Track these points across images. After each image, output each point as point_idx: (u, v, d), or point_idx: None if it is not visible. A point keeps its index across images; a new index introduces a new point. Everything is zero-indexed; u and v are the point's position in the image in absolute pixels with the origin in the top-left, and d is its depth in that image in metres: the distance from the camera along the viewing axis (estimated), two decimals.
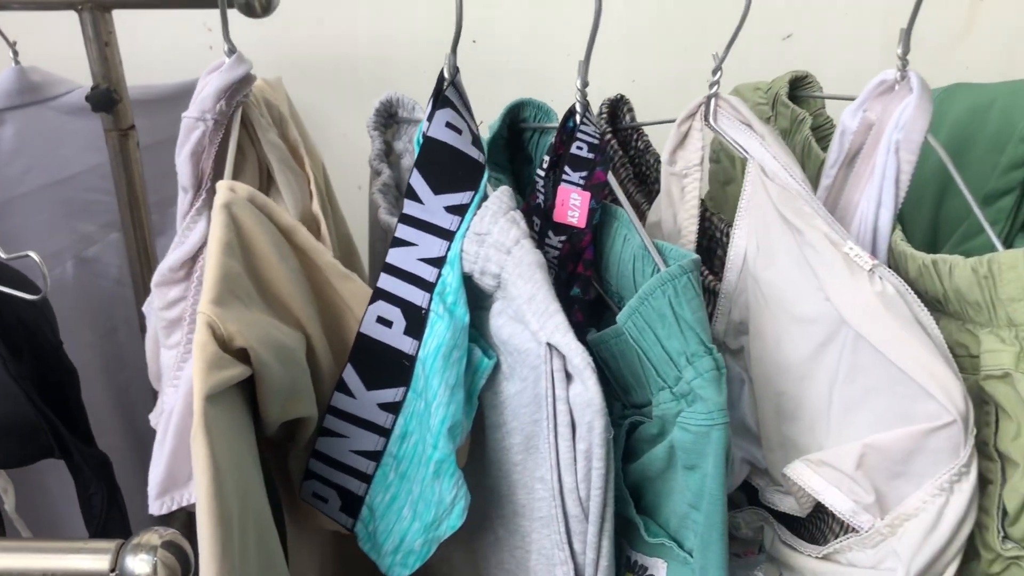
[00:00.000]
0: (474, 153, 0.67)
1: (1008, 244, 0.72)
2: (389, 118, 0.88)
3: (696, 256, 0.59)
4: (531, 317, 0.60)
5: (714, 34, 1.14)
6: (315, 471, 0.69)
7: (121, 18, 0.86)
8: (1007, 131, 0.73)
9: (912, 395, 0.55)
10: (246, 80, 0.70)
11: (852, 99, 0.70)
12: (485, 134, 0.77)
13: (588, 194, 0.67)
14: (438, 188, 0.66)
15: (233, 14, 0.72)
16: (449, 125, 0.66)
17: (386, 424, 0.67)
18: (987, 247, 0.72)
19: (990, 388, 0.57)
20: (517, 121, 0.81)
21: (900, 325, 0.55)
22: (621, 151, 0.81)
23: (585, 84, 0.68)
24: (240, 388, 0.59)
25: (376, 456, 0.68)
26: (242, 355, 0.57)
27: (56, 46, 0.95)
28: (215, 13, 0.69)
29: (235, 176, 0.74)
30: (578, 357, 0.58)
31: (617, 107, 0.83)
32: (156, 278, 0.71)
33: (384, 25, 1.16)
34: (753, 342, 0.65)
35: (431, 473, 0.65)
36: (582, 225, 0.67)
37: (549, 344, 0.59)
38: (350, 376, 0.67)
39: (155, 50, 1.10)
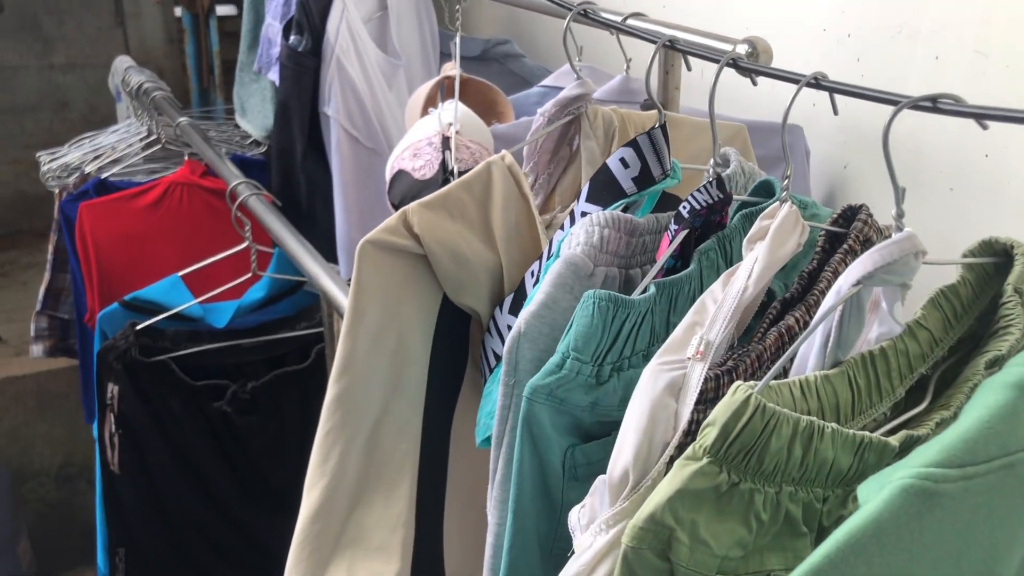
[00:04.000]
0: (626, 185, 0.88)
1: None
2: None
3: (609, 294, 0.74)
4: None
5: None
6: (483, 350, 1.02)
7: None
8: None
9: None
10: (578, 99, 1.02)
11: None
12: None
13: (669, 241, 0.82)
14: (589, 197, 0.89)
15: None
16: (622, 159, 0.88)
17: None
18: None
19: None
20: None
21: (646, 395, 0.62)
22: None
23: (717, 164, 0.82)
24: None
25: (499, 357, 0.97)
26: (418, 239, 0.94)
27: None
28: None
29: (571, 157, 1.07)
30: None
31: (853, 213, 0.87)
32: None
33: None
34: None
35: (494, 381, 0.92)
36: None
37: None
38: (507, 299, 0.97)
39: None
